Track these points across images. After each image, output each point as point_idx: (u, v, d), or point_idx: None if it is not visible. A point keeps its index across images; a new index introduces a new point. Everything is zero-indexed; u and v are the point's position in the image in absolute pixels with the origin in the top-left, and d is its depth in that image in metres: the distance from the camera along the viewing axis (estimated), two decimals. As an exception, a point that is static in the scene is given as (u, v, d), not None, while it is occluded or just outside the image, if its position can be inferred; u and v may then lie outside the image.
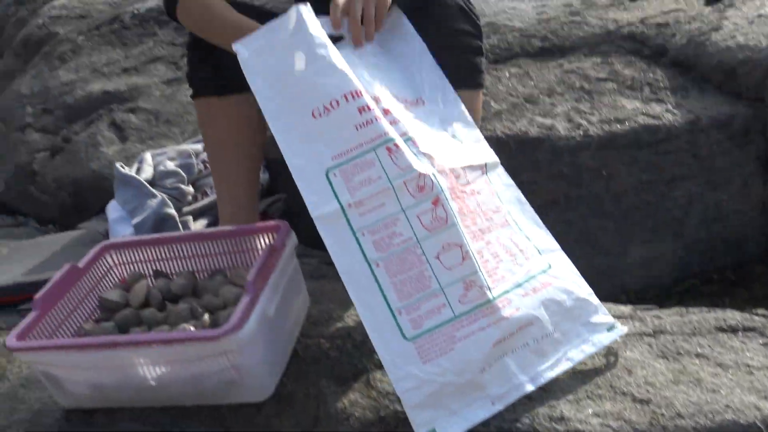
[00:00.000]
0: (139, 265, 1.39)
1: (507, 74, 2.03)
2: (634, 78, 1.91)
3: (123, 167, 1.90)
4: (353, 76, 1.16)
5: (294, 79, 1.15)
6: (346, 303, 1.39)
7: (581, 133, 1.73)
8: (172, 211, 1.76)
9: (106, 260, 1.38)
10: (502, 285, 1.12)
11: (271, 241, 1.27)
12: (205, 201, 1.84)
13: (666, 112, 1.79)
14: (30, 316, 1.21)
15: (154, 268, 1.39)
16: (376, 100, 1.17)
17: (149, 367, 1.13)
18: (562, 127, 1.75)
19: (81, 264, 1.32)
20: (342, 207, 1.09)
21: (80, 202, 2.40)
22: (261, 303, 1.12)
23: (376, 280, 1.08)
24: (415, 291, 1.08)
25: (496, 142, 1.71)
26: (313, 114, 1.13)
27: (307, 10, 1.19)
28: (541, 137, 1.72)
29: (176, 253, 1.37)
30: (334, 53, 1.16)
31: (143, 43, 3.44)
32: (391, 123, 1.15)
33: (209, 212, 1.82)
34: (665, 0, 2.24)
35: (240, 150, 1.49)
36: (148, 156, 1.95)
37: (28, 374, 1.36)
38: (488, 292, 1.10)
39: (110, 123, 2.66)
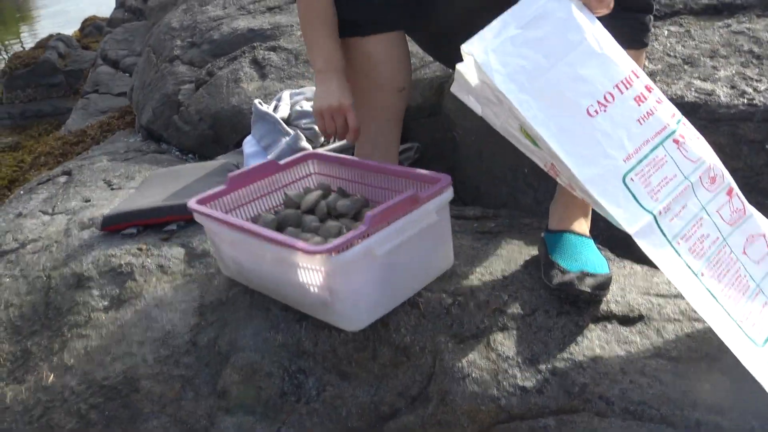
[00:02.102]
0: (334, 180, 1.48)
1: (665, 32, 1.87)
2: (814, 44, 1.71)
3: (261, 104, 1.93)
4: (620, 59, 1.03)
5: (553, 76, 1.01)
6: (471, 259, 1.36)
7: (745, 101, 1.57)
8: (306, 145, 1.77)
9: (306, 167, 1.49)
10: None
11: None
12: (337, 143, 1.84)
13: None
14: (216, 189, 1.33)
15: (338, 185, 1.47)
16: (635, 74, 1.04)
17: (269, 261, 1.19)
18: (723, 93, 1.59)
19: (282, 162, 1.44)
20: (654, 217, 0.99)
21: (219, 134, 2.48)
22: (372, 239, 1.09)
23: (710, 292, 1.00)
24: (739, 294, 1.02)
25: (647, 105, 1.60)
26: (588, 112, 1.00)
27: None
28: (698, 102, 1.57)
29: (357, 178, 1.43)
30: (591, 35, 1.03)
31: (288, -17, 3.47)
32: (659, 102, 1.03)
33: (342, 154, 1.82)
34: None
35: (384, 89, 1.47)
36: (286, 95, 1.97)
37: (162, 295, 1.42)
38: None
39: (252, 60, 2.71)
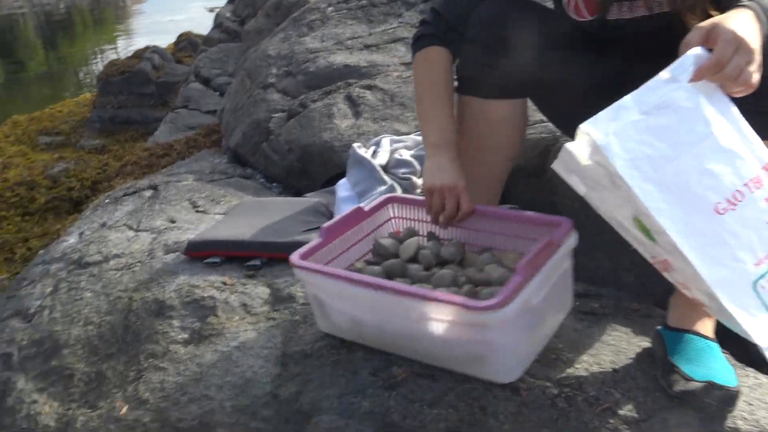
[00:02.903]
0: (415, 223, 1.45)
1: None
2: None
3: (360, 148, 1.89)
4: (750, 155, 0.97)
5: (679, 167, 0.94)
6: (576, 344, 1.26)
7: None
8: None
9: (388, 211, 1.46)
10: None
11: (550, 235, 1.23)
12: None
13: None
14: (314, 242, 1.30)
15: (428, 230, 1.42)
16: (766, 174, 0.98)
17: (406, 318, 1.15)
18: None
19: (366, 208, 1.41)
20: None
21: (307, 167, 2.45)
22: (528, 288, 1.09)
23: None
24: None
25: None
26: (716, 210, 0.94)
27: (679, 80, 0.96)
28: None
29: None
30: (719, 128, 0.97)
31: (387, 22, 3.47)
32: None
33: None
34: None
35: (497, 153, 1.41)
36: (386, 141, 1.92)
37: (244, 337, 1.37)
38: None
39: (346, 96, 2.69)
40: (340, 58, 3.09)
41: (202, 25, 7.76)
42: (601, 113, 0.96)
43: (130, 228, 2.06)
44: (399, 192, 1.71)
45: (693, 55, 0.97)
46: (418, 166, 1.81)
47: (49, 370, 1.47)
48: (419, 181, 1.80)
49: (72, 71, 9.88)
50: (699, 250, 0.92)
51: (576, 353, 1.23)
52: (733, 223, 0.93)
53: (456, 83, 1.41)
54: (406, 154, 1.83)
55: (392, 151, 1.87)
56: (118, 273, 1.73)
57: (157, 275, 1.65)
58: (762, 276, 0.92)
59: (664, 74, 0.97)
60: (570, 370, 1.18)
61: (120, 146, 4.96)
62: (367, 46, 3.23)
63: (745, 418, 1.07)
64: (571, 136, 1.01)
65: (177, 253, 1.75)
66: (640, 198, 0.93)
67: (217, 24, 5.95)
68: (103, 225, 2.17)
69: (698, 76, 0.96)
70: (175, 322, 1.46)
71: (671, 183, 0.94)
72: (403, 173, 1.78)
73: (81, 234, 2.12)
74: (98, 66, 9.52)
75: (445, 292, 1.14)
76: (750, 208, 0.94)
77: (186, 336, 1.42)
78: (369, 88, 2.72)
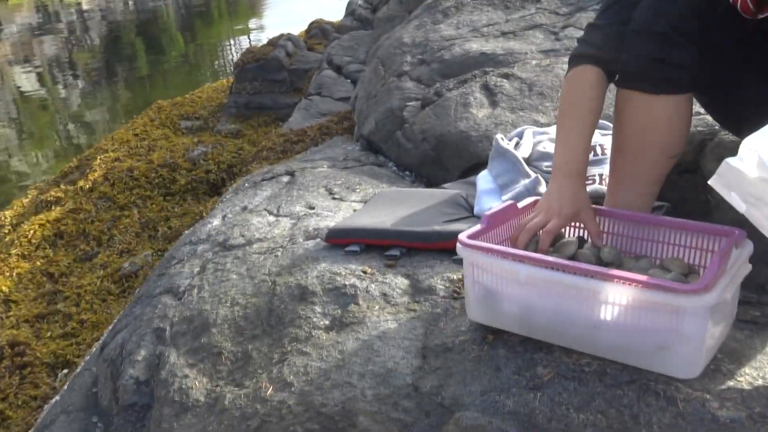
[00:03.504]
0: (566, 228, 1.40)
1: None
2: None
3: (502, 139, 1.85)
4: None
5: None
6: (736, 355, 1.18)
7: None
8: (544, 190, 1.67)
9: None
10: None
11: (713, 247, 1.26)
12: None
13: None
14: (477, 227, 1.29)
15: (578, 234, 1.39)
16: None
17: (590, 305, 1.12)
18: None
19: (519, 204, 1.40)
20: None
21: (441, 157, 2.44)
22: (724, 280, 1.09)
23: None
24: None
25: None
26: None
27: None
28: None
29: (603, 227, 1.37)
30: None
31: (525, 9, 3.38)
32: None
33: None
34: None
35: (656, 152, 1.33)
36: (528, 133, 1.88)
37: (385, 327, 1.38)
38: None
39: (482, 85, 2.64)
40: (475, 46, 3.05)
41: (333, 12, 7.91)
42: (766, 127, 0.93)
43: (270, 213, 2.13)
44: (543, 185, 1.66)
45: None
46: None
47: (199, 347, 1.54)
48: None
49: (209, 59, 10.38)
50: None
51: (737, 365, 1.15)
52: None
53: (617, 77, 1.35)
54: (549, 147, 1.77)
55: (535, 144, 1.82)
56: (262, 257, 1.79)
57: (299, 261, 1.70)
58: None
59: None
60: (731, 383, 1.10)
61: (254, 131, 5.14)
62: (504, 33, 3.17)
63: None
64: (735, 133, 0.95)
65: (317, 240, 1.79)
66: None
67: (350, 11, 6.04)
68: (245, 209, 2.26)
69: None
70: (317, 308, 1.49)
71: None
72: (547, 166, 1.73)
73: (224, 217, 2.22)
74: (234, 53, 9.95)
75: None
76: None
77: (327, 322, 1.45)
78: (506, 76, 2.66)
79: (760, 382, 1.11)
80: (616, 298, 1.10)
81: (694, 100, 1.63)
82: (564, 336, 1.19)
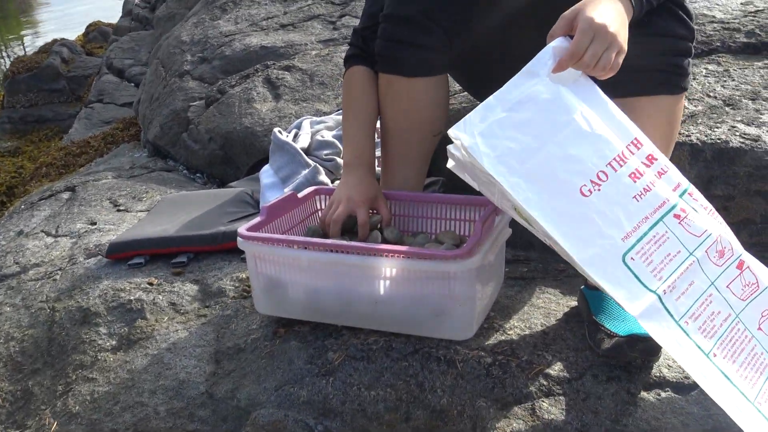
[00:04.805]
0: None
1: (703, 71, 1.80)
2: None
3: (281, 132, 1.85)
4: (613, 135, 1.00)
5: (543, 157, 0.98)
6: (507, 310, 1.28)
7: (791, 148, 1.50)
8: (325, 178, 1.70)
9: (315, 202, 1.45)
10: None
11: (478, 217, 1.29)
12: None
13: None
14: (257, 219, 1.27)
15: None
16: (636, 145, 1.00)
17: (369, 282, 1.17)
18: None
19: (300, 194, 1.40)
20: (659, 297, 0.94)
21: (229, 155, 2.40)
22: (486, 244, 1.15)
23: (724, 374, 0.94)
24: (756, 374, 0.96)
25: (690, 150, 1.53)
26: (581, 192, 0.96)
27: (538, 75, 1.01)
28: (743, 149, 1.50)
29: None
30: (580, 114, 1.00)
31: (302, 0, 3.40)
32: (660, 174, 0.99)
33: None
34: None
35: (421, 131, 1.40)
36: (306, 123, 1.89)
37: (175, 338, 1.34)
38: None
39: (265, 79, 2.63)
40: (256, 40, 3.02)
41: (114, 13, 7.47)
42: (469, 115, 1.00)
43: (48, 234, 1.98)
44: (323, 174, 1.68)
45: (551, 47, 1.01)
46: (341, 146, 1.79)
47: (-28, 392, 1.40)
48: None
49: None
50: (568, 234, 0.95)
51: (507, 319, 1.25)
52: (599, 202, 0.96)
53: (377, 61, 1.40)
54: (327, 135, 1.80)
55: (313, 133, 1.84)
56: (38, 283, 1.66)
57: (79, 282, 1.59)
58: (631, 248, 0.95)
59: (524, 70, 1.01)
60: (503, 337, 1.19)
61: (35, 146, 4.74)
62: (283, 26, 3.17)
63: (670, 366, 1.11)
64: None
65: (99, 257, 1.69)
66: (509, 191, 0.96)
67: (126, 12, 5.73)
68: (20, 233, 2.08)
69: (559, 67, 1.00)
70: (102, 329, 1.41)
71: (537, 173, 0.97)
72: (326, 155, 1.75)
73: (-4, 245, 2.02)
74: (4, 63, 9.07)
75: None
76: (615, 186, 0.97)
77: (114, 342, 1.38)
78: (288, 69, 2.67)
79: (527, 332, 1.21)
80: (391, 272, 1.15)
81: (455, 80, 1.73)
82: (350, 316, 1.23)
